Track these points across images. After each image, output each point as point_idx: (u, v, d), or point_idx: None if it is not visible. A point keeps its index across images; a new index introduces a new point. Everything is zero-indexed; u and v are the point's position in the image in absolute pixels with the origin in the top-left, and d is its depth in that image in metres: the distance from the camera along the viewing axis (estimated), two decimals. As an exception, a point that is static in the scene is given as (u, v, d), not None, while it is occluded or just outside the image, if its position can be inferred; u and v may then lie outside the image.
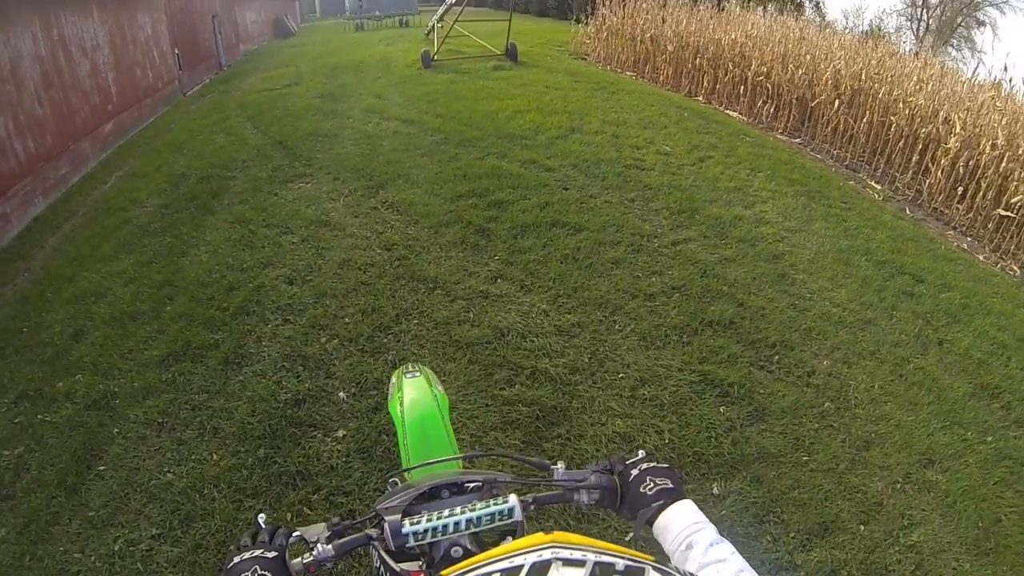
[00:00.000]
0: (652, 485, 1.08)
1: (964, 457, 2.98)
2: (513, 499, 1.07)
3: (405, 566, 1.18)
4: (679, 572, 0.66)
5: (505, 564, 0.66)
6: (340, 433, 2.94)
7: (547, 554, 0.66)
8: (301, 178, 5.59)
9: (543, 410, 3.00)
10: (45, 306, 4.06)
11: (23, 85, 5.54)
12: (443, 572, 0.69)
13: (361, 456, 2.82)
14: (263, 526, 1.06)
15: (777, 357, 3.50)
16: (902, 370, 3.53)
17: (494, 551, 0.71)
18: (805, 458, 2.87)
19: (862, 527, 2.58)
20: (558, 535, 0.72)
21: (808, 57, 8.22)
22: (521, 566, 0.65)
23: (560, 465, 1.17)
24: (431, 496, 1.18)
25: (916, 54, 9.77)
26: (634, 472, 1.12)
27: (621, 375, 3.26)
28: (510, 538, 1.18)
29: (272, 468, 2.76)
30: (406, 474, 1.46)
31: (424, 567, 1.16)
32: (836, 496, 2.69)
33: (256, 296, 3.88)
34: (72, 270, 4.46)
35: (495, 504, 1.08)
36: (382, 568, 1.23)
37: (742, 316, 3.78)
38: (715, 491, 2.66)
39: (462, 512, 1.06)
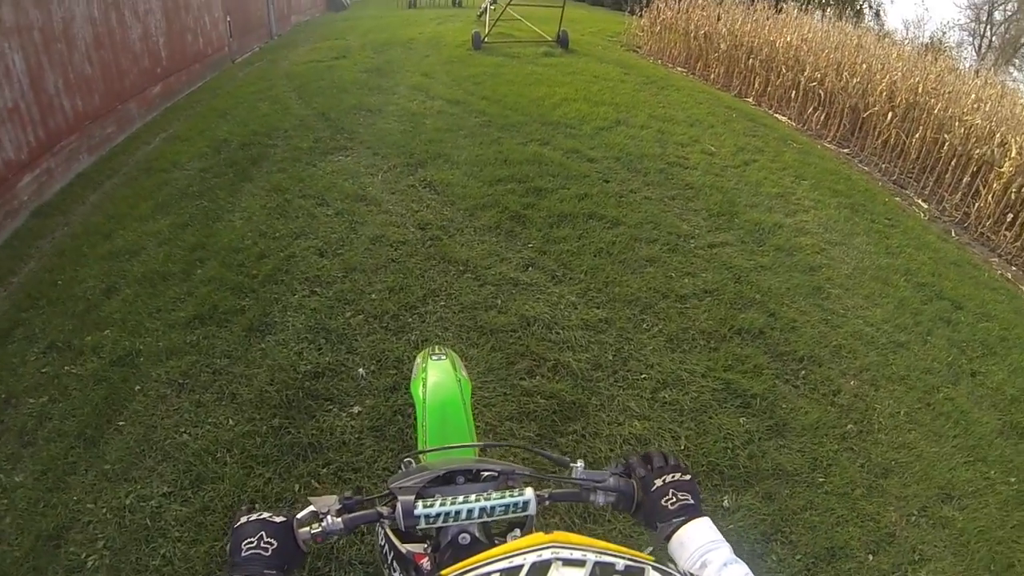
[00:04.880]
0: (675, 500, 1.07)
1: (984, 496, 2.91)
2: (529, 492, 1.05)
3: (410, 547, 1.18)
4: (679, 572, 0.66)
5: (504, 564, 0.66)
6: (356, 409, 2.96)
7: (547, 554, 0.66)
8: (341, 151, 5.63)
9: (561, 404, 3.01)
10: (81, 261, 4.15)
11: (74, 45, 5.61)
12: (443, 572, 0.69)
13: (374, 434, 2.83)
14: None
15: (804, 372, 3.45)
16: (930, 399, 3.45)
17: (493, 551, 0.71)
18: (821, 479, 2.83)
19: (871, 556, 2.54)
20: (558, 535, 0.72)
21: (864, 66, 7.96)
22: (521, 566, 0.65)
23: (580, 464, 1.15)
24: (446, 480, 1.17)
25: (976, 72, 9.41)
26: (657, 483, 1.10)
27: (643, 376, 3.25)
28: (518, 531, 1.20)
29: (285, 438, 2.79)
30: (421, 456, 1.44)
31: (429, 550, 1.17)
32: (848, 522, 2.65)
33: (286, 265, 3.92)
34: (110, 227, 4.55)
35: (511, 496, 1.05)
36: (387, 547, 1.25)
37: (772, 327, 3.73)
38: (725, 504, 2.64)
39: (476, 500, 1.04)
